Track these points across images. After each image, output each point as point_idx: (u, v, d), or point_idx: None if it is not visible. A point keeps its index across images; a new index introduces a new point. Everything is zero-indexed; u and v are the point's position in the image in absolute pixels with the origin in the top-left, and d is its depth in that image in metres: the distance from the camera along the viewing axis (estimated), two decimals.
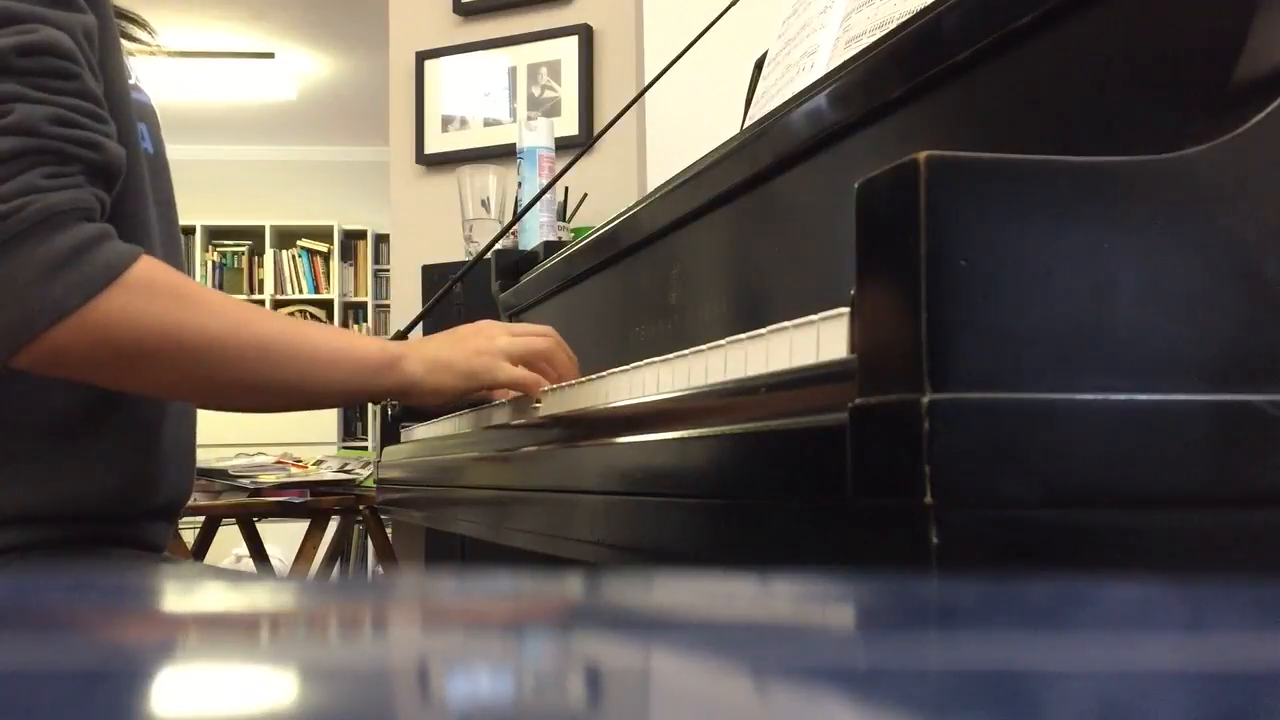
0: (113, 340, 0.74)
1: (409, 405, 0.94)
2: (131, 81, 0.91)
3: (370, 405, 1.31)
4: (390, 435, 1.50)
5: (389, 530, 2.58)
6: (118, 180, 0.79)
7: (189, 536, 2.73)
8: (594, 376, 0.81)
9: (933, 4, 0.65)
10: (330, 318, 6.11)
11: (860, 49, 0.74)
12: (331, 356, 0.84)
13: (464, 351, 0.90)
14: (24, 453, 0.85)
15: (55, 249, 0.71)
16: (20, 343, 0.72)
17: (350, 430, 5.67)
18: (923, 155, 0.41)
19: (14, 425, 0.85)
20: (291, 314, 5.68)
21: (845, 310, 0.47)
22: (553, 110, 2.51)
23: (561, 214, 2.00)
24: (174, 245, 0.94)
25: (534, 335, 0.95)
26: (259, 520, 2.80)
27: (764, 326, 0.56)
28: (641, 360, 0.72)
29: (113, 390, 0.87)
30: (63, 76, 0.76)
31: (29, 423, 0.85)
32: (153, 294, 0.75)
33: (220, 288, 5.85)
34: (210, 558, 2.74)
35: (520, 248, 1.76)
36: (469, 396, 0.97)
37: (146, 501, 0.93)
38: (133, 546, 0.92)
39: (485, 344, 0.91)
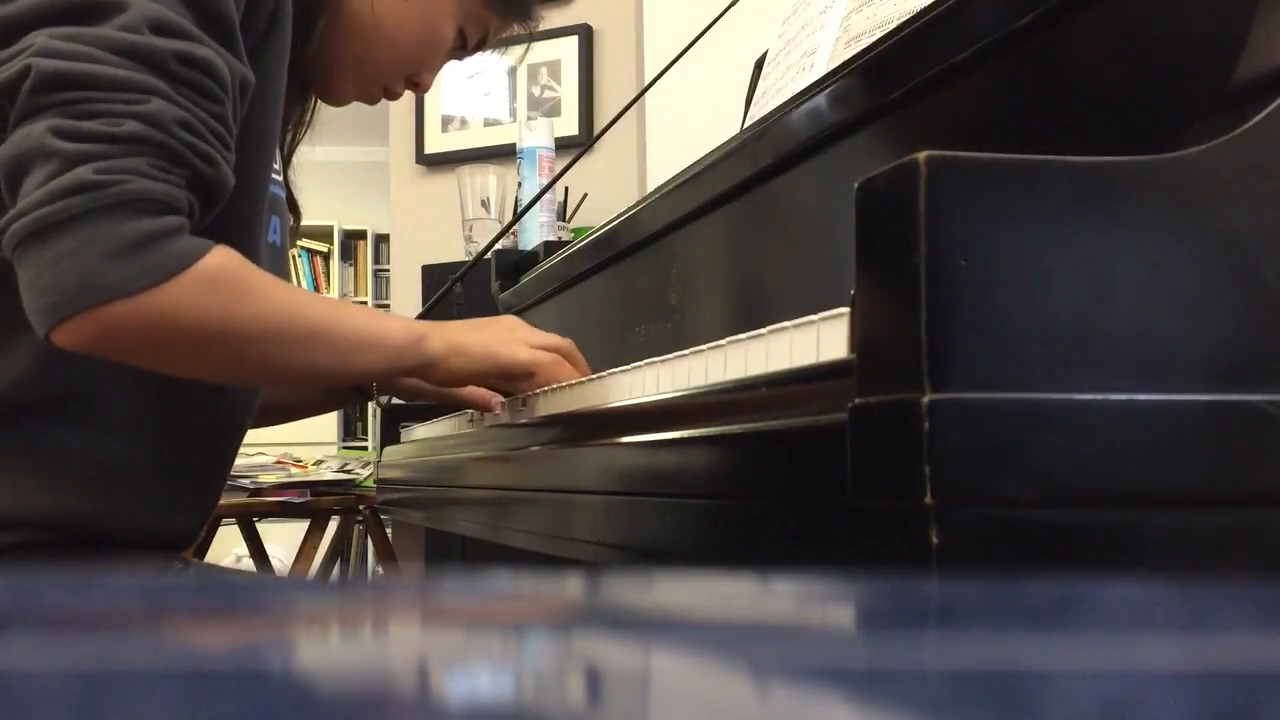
0: (168, 327, 0.75)
1: (429, 382, 0.97)
2: (275, 175, 0.94)
3: (370, 405, 1.32)
4: (390, 435, 1.50)
5: (389, 530, 2.58)
6: (218, 201, 0.80)
7: None
8: (594, 376, 0.81)
9: (933, 4, 0.65)
10: None
11: (860, 49, 0.74)
12: (366, 338, 0.87)
13: (484, 335, 0.93)
14: (98, 473, 0.86)
15: (133, 230, 0.72)
16: (69, 313, 0.72)
17: (350, 430, 5.66)
18: (922, 155, 0.41)
19: (95, 444, 0.86)
20: None
21: (845, 310, 0.47)
22: (553, 110, 2.51)
23: (561, 214, 2.00)
24: None
25: (553, 335, 0.98)
26: (259, 520, 2.80)
27: (764, 326, 0.56)
28: (641, 360, 0.72)
29: (197, 436, 0.90)
30: (208, 96, 0.78)
31: (107, 444, 0.86)
32: (216, 286, 0.76)
33: None
34: (210, 557, 2.74)
35: (520, 248, 1.76)
36: (483, 383, 0.99)
37: (193, 536, 0.97)
38: (151, 548, 0.92)
39: (505, 331, 0.94)
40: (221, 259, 0.77)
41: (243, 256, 0.80)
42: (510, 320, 0.98)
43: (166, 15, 0.76)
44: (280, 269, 0.98)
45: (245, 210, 0.87)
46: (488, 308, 1.62)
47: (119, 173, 0.72)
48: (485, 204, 2.04)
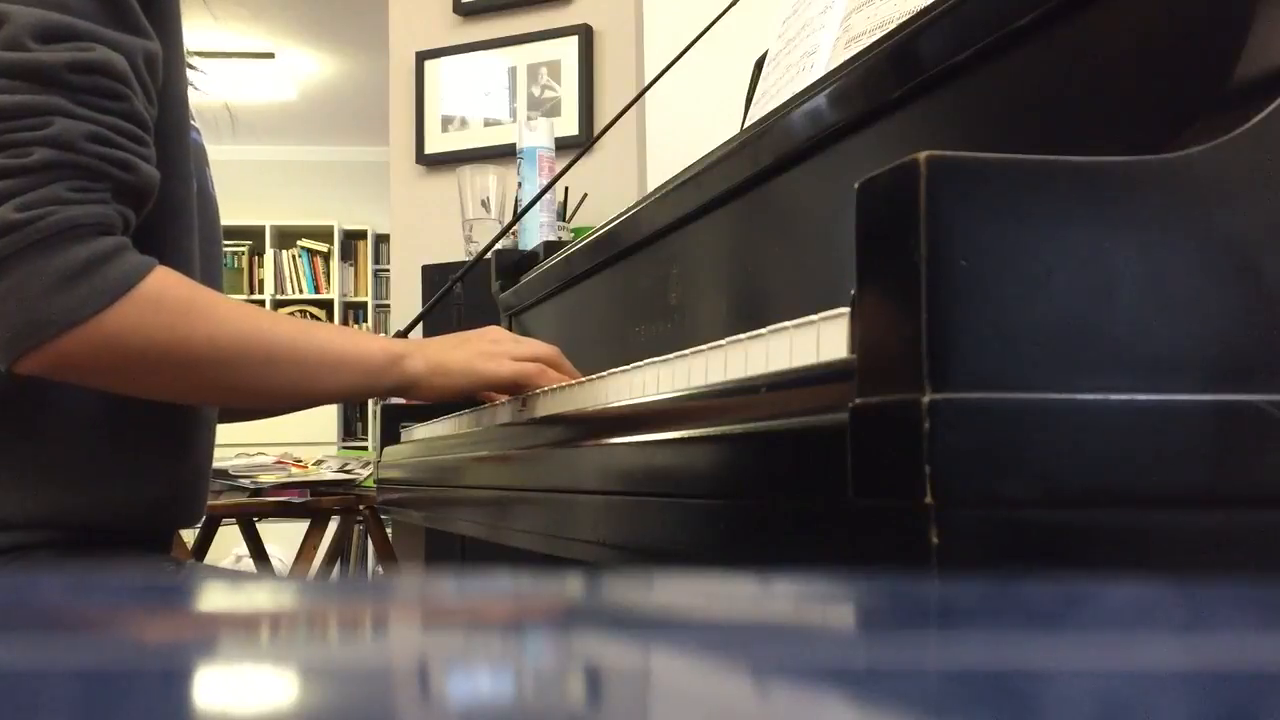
0: (119, 351, 0.75)
1: (411, 402, 0.96)
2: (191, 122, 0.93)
3: (370, 404, 1.32)
4: (390, 435, 1.50)
5: (389, 530, 2.58)
6: (147, 202, 0.79)
7: (189, 536, 2.73)
8: (594, 376, 0.81)
9: (933, 4, 0.65)
10: (330, 318, 6.11)
11: (860, 49, 0.74)
12: (337, 359, 0.86)
13: (467, 352, 0.92)
14: (65, 461, 0.85)
15: (69, 260, 0.72)
16: (24, 349, 0.73)
17: (350, 430, 5.67)
18: (923, 155, 0.41)
19: (53, 432, 0.85)
20: (291, 314, 5.68)
21: (845, 310, 0.47)
22: (553, 110, 2.51)
23: (561, 214, 2.00)
24: (214, 280, 0.95)
25: (538, 344, 0.97)
26: (259, 520, 2.80)
27: (764, 326, 0.56)
28: (641, 360, 0.72)
29: (153, 404, 0.88)
30: (111, 96, 0.76)
31: (66, 432, 0.85)
32: (161, 306, 0.76)
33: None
34: (210, 558, 2.74)
35: (520, 248, 1.76)
36: (471, 395, 0.99)
37: (184, 516, 0.95)
38: (142, 549, 0.92)
39: (490, 346, 0.93)
40: (165, 280, 0.77)
41: (192, 280, 0.78)
42: (495, 332, 0.96)
43: (49, 19, 0.74)
44: (206, 214, 0.95)
45: (176, 156, 0.86)
46: (488, 308, 1.62)
47: (40, 205, 0.71)
48: (485, 204, 2.04)
